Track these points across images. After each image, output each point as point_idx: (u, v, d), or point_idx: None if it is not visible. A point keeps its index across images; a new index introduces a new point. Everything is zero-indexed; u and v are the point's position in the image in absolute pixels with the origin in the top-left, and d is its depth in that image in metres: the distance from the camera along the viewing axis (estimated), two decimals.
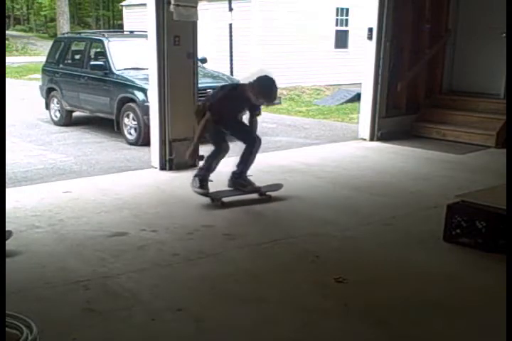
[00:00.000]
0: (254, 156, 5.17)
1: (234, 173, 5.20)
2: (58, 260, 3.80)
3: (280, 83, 4.93)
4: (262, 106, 5.25)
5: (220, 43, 15.02)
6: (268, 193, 5.22)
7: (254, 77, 4.82)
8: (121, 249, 3.98)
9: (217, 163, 5.09)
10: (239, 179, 5.18)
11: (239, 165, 5.20)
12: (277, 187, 5.33)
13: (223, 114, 4.92)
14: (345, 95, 13.26)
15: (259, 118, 5.25)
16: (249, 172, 5.22)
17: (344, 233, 4.38)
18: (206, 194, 5.03)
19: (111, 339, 2.87)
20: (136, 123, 8.17)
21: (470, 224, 3.98)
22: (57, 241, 4.14)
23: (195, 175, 5.10)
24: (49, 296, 3.27)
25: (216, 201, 5.00)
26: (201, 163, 5.20)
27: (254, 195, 5.21)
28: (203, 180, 5.05)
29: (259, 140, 5.17)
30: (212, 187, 5.04)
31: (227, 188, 5.17)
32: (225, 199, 5.03)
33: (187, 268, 3.71)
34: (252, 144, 5.15)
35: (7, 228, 3.95)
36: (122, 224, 4.48)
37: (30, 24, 46.78)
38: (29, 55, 29.03)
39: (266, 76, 4.83)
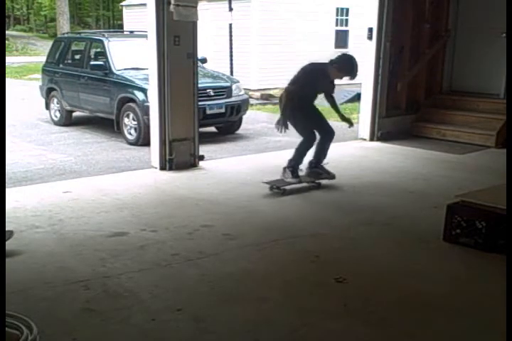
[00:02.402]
0: (329, 145, 5.60)
1: (311, 163, 5.60)
2: (58, 260, 3.80)
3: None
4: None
5: (220, 43, 15.01)
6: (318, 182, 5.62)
7: (334, 57, 5.40)
8: (121, 249, 3.98)
9: (305, 154, 5.49)
10: (315, 168, 5.60)
11: (315, 154, 5.59)
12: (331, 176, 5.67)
13: (304, 91, 5.30)
14: (345, 95, 13.25)
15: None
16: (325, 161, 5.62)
17: (344, 233, 4.38)
18: (299, 182, 5.45)
19: (111, 339, 2.87)
20: (136, 123, 8.17)
21: (470, 224, 3.98)
22: (57, 241, 4.14)
23: (286, 167, 5.47)
24: (49, 296, 3.27)
25: (279, 189, 5.36)
26: (291, 155, 5.54)
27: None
28: (294, 170, 5.45)
29: (333, 130, 5.64)
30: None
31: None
32: (288, 187, 5.41)
33: (187, 268, 3.71)
34: (328, 134, 5.58)
35: (7, 228, 3.95)
36: (122, 224, 4.48)
37: (30, 24, 46.77)
38: (29, 55, 29.02)
39: (346, 53, 5.42)
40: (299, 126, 5.43)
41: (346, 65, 5.32)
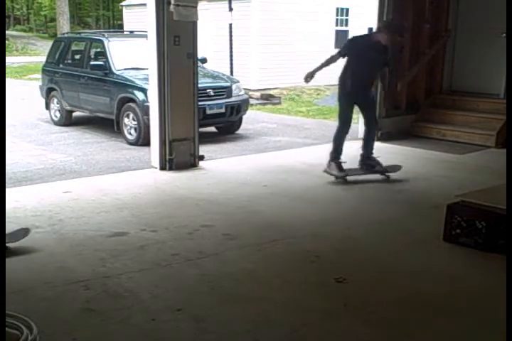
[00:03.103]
0: (374, 136, 6.01)
1: (362, 155, 5.92)
2: (58, 260, 3.80)
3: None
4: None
5: (220, 43, 15.01)
6: (388, 174, 5.87)
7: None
8: (121, 249, 3.98)
9: (342, 143, 5.78)
10: (368, 160, 5.90)
11: (364, 147, 5.93)
12: (397, 168, 5.94)
13: (357, 63, 5.55)
14: None
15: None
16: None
17: (344, 233, 4.38)
18: (346, 176, 5.69)
19: (111, 339, 2.87)
20: (136, 123, 8.17)
21: (470, 224, 3.98)
22: (57, 241, 4.14)
23: (330, 160, 5.73)
24: (49, 296, 3.27)
25: (341, 179, 5.71)
26: (330, 147, 5.88)
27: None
28: (338, 163, 5.72)
29: (377, 121, 5.99)
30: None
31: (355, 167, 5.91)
32: (349, 178, 5.73)
33: (187, 268, 3.71)
34: (373, 125, 5.95)
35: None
36: (122, 224, 4.48)
37: (30, 24, 46.75)
38: (29, 55, 29.00)
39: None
40: (364, 104, 5.83)
41: (393, 24, 5.72)
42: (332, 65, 5.65)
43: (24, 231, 4.07)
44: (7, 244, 3.86)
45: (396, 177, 6.00)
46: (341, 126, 5.78)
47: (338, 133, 5.80)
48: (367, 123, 5.91)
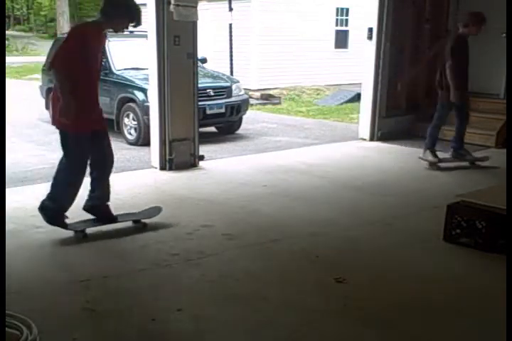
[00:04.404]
0: (462, 128, 6.48)
1: (454, 147, 6.49)
2: (58, 260, 3.80)
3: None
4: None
5: (220, 43, 15.00)
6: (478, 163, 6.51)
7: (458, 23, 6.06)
8: (121, 249, 3.98)
9: (433, 134, 6.40)
10: (459, 150, 6.49)
11: (455, 138, 6.49)
12: (486, 158, 6.48)
13: (465, 62, 6.00)
14: (345, 95, 13.26)
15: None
16: None
17: (344, 233, 4.38)
18: (439, 162, 6.34)
19: (111, 339, 2.87)
20: (136, 123, 8.17)
21: (470, 224, 3.98)
22: (57, 241, 4.13)
23: (426, 149, 6.39)
24: (49, 296, 3.27)
25: (433, 165, 6.34)
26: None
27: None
28: (433, 150, 6.36)
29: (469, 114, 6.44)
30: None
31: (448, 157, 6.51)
32: (443, 165, 6.35)
33: (187, 268, 3.71)
34: (465, 116, 6.38)
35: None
36: (122, 224, 4.47)
37: (30, 24, 46.77)
38: (29, 55, 28.98)
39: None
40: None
41: (475, 14, 5.92)
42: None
43: (157, 209, 4.53)
44: (142, 220, 4.39)
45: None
46: (437, 120, 6.40)
47: (434, 127, 6.42)
48: (460, 112, 6.36)
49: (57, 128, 4.07)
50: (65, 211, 4.15)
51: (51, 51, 10.57)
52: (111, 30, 4.14)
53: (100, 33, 4.08)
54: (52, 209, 4.12)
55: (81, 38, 3.90)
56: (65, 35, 4.18)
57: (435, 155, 6.38)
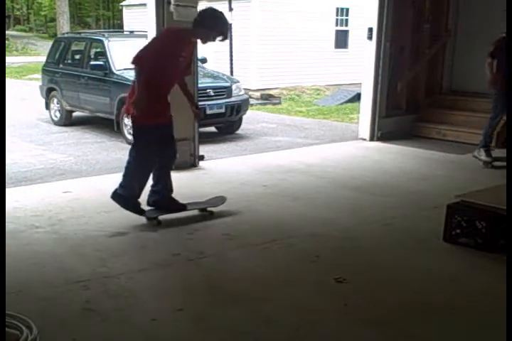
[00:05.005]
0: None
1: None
2: (58, 260, 3.80)
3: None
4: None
5: (219, 43, 15.00)
6: None
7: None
8: (121, 249, 3.98)
9: (493, 130, 6.51)
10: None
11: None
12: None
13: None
14: (345, 95, 13.26)
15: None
16: None
17: (344, 233, 4.38)
18: (493, 161, 6.37)
19: (111, 339, 2.87)
20: None
21: (470, 224, 3.98)
22: (57, 241, 4.14)
23: (481, 147, 6.46)
24: (49, 296, 3.27)
25: (488, 164, 6.40)
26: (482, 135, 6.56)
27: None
28: (487, 149, 6.45)
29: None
30: None
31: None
32: (498, 164, 6.31)
33: (187, 268, 3.72)
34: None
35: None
36: (122, 224, 4.48)
37: (30, 24, 46.75)
38: (29, 55, 29.00)
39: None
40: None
41: None
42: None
43: (222, 199, 4.81)
44: (209, 209, 4.70)
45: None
46: (492, 120, 6.46)
47: (489, 127, 6.48)
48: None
49: (130, 118, 4.48)
50: (137, 198, 4.46)
51: (50, 51, 10.58)
52: (199, 40, 4.38)
53: (188, 41, 4.41)
54: (125, 196, 4.43)
55: (168, 42, 4.28)
56: (156, 35, 4.56)
57: (489, 154, 6.42)
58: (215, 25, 4.25)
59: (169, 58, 4.24)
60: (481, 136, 6.56)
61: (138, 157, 4.35)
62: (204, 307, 3.17)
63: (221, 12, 4.36)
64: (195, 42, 4.60)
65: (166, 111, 4.45)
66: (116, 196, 4.44)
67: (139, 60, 4.17)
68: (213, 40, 4.32)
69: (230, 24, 13.92)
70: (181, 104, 6.17)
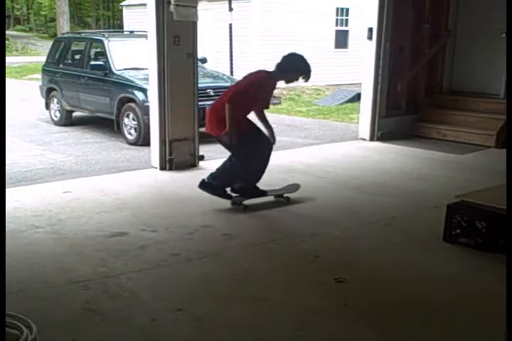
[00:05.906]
0: None
1: None
2: (58, 260, 3.80)
3: (280, 83, 5.17)
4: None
5: (220, 43, 15.02)
6: None
7: None
8: (121, 249, 3.98)
9: None
10: None
11: None
12: None
13: None
14: (345, 95, 13.26)
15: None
16: None
17: (344, 233, 4.38)
18: None
19: (111, 339, 2.87)
20: (136, 123, 8.17)
21: (470, 224, 3.98)
22: (57, 241, 4.14)
23: None
24: (49, 296, 3.27)
25: None
26: None
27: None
28: None
29: None
30: None
31: None
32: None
33: (187, 268, 3.72)
34: None
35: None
36: (122, 224, 4.48)
37: (30, 24, 46.76)
38: (29, 55, 29.01)
39: None
40: None
41: None
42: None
43: (296, 186, 5.19)
44: (285, 195, 5.10)
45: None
46: None
47: None
48: None
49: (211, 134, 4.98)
50: (226, 187, 4.89)
51: (50, 51, 10.58)
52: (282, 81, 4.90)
53: (273, 83, 4.95)
54: (214, 185, 4.85)
55: (257, 85, 4.81)
56: (246, 76, 5.00)
57: None
58: (297, 71, 4.78)
59: (258, 101, 4.95)
60: None
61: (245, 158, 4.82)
62: (204, 307, 3.17)
63: (303, 56, 4.88)
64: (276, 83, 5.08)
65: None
66: (203, 185, 4.85)
67: (232, 100, 4.58)
68: (296, 81, 4.86)
69: (230, 24, 14.04)
70: (181, 104, 6.21)
